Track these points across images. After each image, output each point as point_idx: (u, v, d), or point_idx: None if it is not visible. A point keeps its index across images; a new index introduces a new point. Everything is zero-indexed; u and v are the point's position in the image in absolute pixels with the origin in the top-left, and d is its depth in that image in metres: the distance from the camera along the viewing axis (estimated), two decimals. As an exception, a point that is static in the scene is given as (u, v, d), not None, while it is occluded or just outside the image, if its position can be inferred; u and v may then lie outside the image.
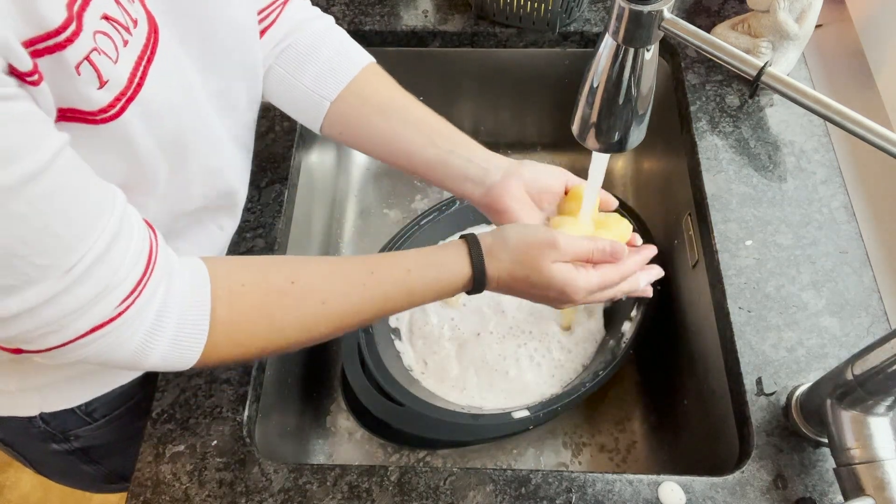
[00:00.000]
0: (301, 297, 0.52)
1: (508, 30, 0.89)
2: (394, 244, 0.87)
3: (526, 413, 0.73)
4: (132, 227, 0.44)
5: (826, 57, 0.86)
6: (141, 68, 0.43)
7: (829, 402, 0.54)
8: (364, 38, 0.90)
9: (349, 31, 0.89)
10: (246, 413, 0.63)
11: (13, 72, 0.35)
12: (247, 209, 0.75)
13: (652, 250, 0.65)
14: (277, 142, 0.80)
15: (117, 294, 0.42)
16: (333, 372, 0.86)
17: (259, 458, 0.61)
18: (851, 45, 0.86)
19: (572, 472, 0.60)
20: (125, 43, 0.42)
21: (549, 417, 0.73)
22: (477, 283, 0.58)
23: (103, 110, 0.42)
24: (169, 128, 0.48)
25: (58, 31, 0.37)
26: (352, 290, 0.54)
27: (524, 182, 0.65)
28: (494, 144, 1.08)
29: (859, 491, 0.50)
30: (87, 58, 0.39)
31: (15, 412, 0.64)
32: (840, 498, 0.53)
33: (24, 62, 0.35)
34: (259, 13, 0.61)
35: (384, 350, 0.79)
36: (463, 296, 0.86)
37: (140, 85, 0.43)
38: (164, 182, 0.51)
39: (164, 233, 0.49)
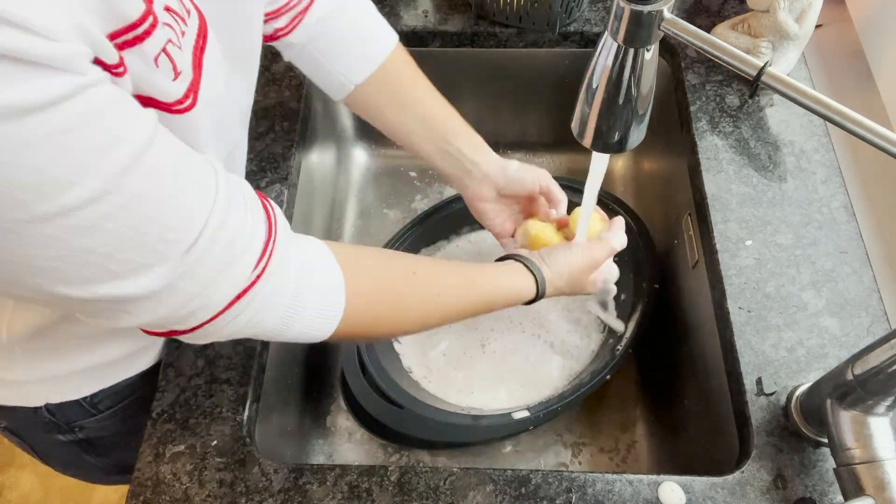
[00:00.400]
0: (422, 285, 0.58)
1: (508, 30, 0.89)
2: (394, 244, 0.87)
3: (526, 413, 0.73)
4: (242, 192, 0.44)
5: (826, 57, 0.86)
6: (198, 58, 0.44)
7: (829, 402, 0.54)
8: (364, 38, 0.90)
9: (349, 31, 0.90)
10: (246, 413, 0.63)
11: (100, 64, 0.36)
12: (247, 209, 0.75)
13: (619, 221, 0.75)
14: (277, 142, 0.80)
15: (249, 258, 0.43)
16: (333, 372, 0.86)
17: (259, 458, 0.61)
18: (851, 45, 0.86)
19: (572, 472, 0.60)
20: (183, 33, 0.42)
21: (549, 418, 0.73)
22: (535, 299, 0.68)
23: (179, 101, 0.43)
24: (217, 118, 0.50)
25: (137, 24, 0.37)
26: (460, 289, 0.61)
27: (504, 183, 0.74)
28: (494, 144, 1.08)
29: (859, 491, 0.50)
30: (163, 49, 0.40)
31: (21, 402, 0.65)
32: (840, 498, 0.53)
33: (111, 55, 0.36)
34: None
35: (383, 352, 0.79)
36: None
37: (199, 75, 0.44)
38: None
39: None
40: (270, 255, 0.44)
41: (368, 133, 1.04)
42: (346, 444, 0.81)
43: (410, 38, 0.90)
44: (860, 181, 0.75)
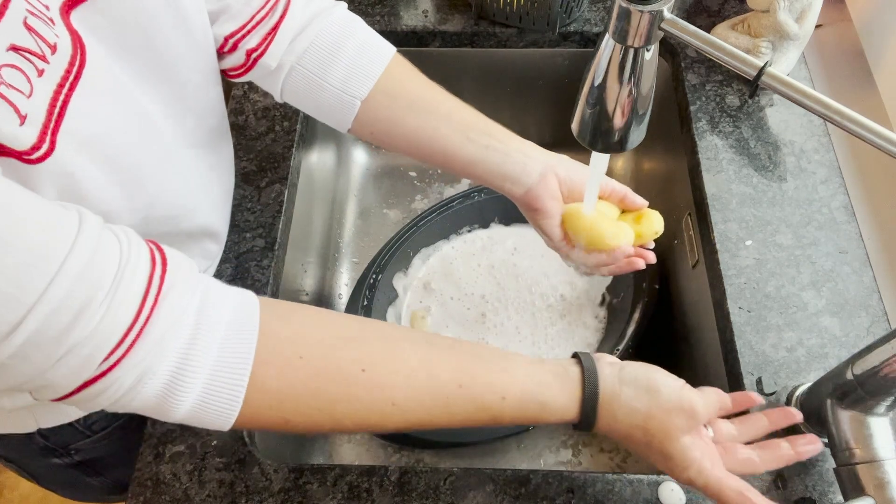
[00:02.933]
0: (370, 390, 0.45)
1: (508, 30, 0.89)
2: (394, 244, 0.87)
3: (526, 413, 0.73)
4: (120, 255, 0.37)
5: (826, 57, 0.86)
6: (62, 97, 0.39)
7: (829, 402, 0.54)
8: (364, 38, 0.90)
9: (349, 31, 0.90)
10: (246, 413, 0.63)
11: None
12: (247, 209, 0.75)
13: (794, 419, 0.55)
14: (277, 142, 0.80)
15: (98, 351, 0.36)
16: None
17: (259, 458, 0.61)
18: (851, 45, 0.86)
19: (572, 472, 0.60)
20: (40, 73, 0.38)
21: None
22: (583, 427, 0.50)
23: (35, 147, 0.38)
24: (111, 153, 0.44)
25: None
26: (431, 401, 0.46)
27: (559, 179, 0.64)
28: (494, 144, 1.08)
29: (859, 491, 0.50)
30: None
31: (13, 429, 0.63)
32: (840, 498, 0.53)
33: None
34: (259, 10, 0.57)
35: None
36: (431, 317, 0.86)
37: (62, 114, 0.39)
38: (122, 210, 0.47)
39: None
40: (137, 337, 0.37)
41: (368, 133, 1.04)
42: (346, 444, 0.81)
43: (410, 38, 0.90)
44: (860, 181, 0.75)
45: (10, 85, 0.36)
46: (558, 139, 1.04)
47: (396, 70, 0.62)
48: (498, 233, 0.93)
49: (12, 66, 0.36)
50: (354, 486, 0.59)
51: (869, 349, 0.50)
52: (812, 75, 0.83)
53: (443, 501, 0.58)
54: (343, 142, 1.02)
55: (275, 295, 0.72)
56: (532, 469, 0.60)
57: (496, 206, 0.92)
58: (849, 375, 0.51)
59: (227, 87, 0.84)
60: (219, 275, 0.70)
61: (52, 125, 0.39)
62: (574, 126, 0.54)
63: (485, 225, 0.93)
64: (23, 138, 0.37)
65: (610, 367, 0.51)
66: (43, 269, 0.34)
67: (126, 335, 0.36)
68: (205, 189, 0.60)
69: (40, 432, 0.63)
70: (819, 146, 0.77)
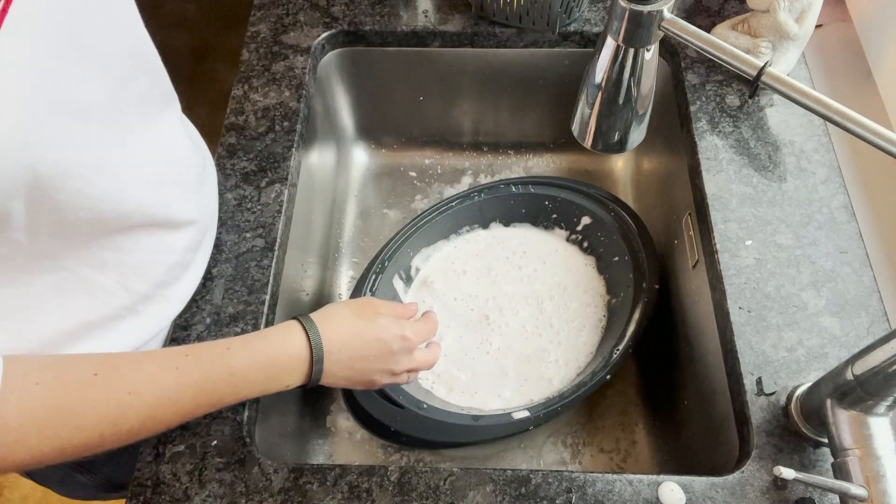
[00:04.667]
0: (104, 387, 0.46)
1: (508, 30, 0.89)
2: (394, 244, 0.87)
3: (526, 414, 0.73)
4: None
5: (826, 57, 0.86)
6: None
7: (829, 402, 0.54)
8: (364, 38, 0.90)
9: (349, 32, 0.90)
10: (246, 413, 0.63)
11: None
12: (247, 209, 0.75)
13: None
14: (277, 142, 0.80)
15: None
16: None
17: (259, 458, 0.61)
18: (851, 45, 0.86)
19: (572, 472, 0.60)
20: None
21: (549, 418, 0.73)
22: (314, 346, 0.55)
23: None
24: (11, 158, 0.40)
25: None
26: (163, 374, 0.49)
27: None
28: (494, 144, 1.09)
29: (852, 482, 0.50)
30: None
31: None
32: (839, 499, 0.53)
33: None
34: None
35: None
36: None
37: None
38: (23, 224, 0.44)
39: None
40: None
41: (368, 133, 1.04)
42: (346, 444, 0.81)
43: (410, 38, 0.90)
44: (860, 181, 0.75)
45: None
46: (558, 139, 1.04)
47: None
48: (498, 233, 0.93)
49: None
50: (354, 486, 0.59)
51: (869, 349, 0.50)
52: (812, 75, 0.83)
53: (443, 501, 0.58)
54: (343, 142, 1.02)
55: (275, 295, 0.72)
56: (532, 469, 0.60)
57: (496, 206, 0.92)
58: (849, 375, 0.51)
59: (227, 87, 0.84)
60: (219, 275, 0.70)
61: None
62: (574, 126, 0.54)
63: (485, 225, 0.93)
64: None
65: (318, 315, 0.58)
66: None
67: None
68: (132, 170, 0.53)
69: None
70: (819, 146, 0.77)
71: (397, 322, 0.63)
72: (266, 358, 0.54)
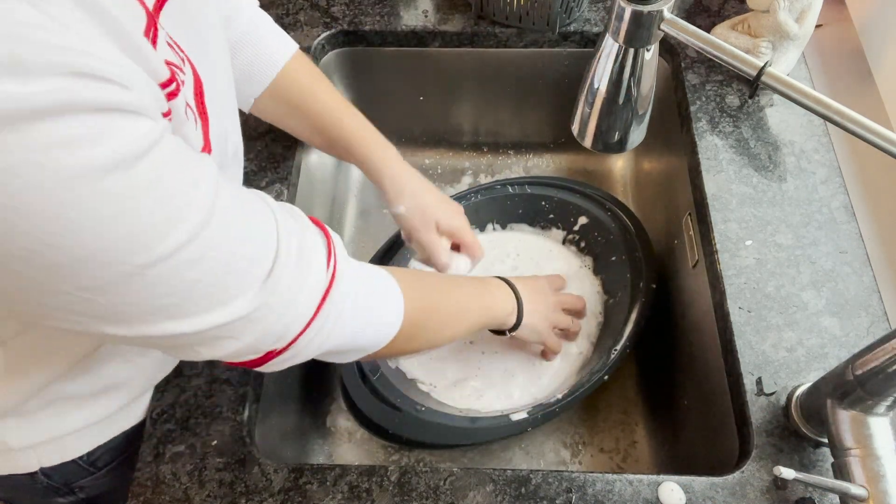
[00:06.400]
0: (455, 300, 0.65)
1: (508, 30, 0.89)
2: (394, 244, 0.87)
3: (524, 415, 0.73)
4: (282, 205, 0.47)
5: (826, 57, 0.86)
6: (201, 105, 0.45)
7: (829, 402, 0.54)
8: (364, 38, 0.90)
9: (349, 32, 0.90)
10: (246, 413, 0.63)
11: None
12: (247, 209, 0.75)
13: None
14: (277, 142, 0.80)
15: (318, 260, 0.46)
16: (333, 372, 0.86)
17: (259, 458, 0.61)
18: (851, 45, 0.86)
19: (572, 472, 0.60)
20: (183, 83, 0.43)
21: (547, 419, 0.73)
22: (519, 303, 0.73)
23: (204, 149, 0.45)
24: (219, 161, 0.50)
25: (170, 81, 0.39)
26: (470, 300, 0.67)
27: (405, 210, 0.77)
28: (494, 144, 1.09)
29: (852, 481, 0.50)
30: (188, 104, 0.42)
31: (15, 469, 0.61)
32: (839, 500, 0.53)
33: (164, 105, 0.38)
34: None
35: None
36: None
37: (206, 121, 0.45)
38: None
39: None
40: (334, 255, 0.48)
41: (368, 133, 1.04)
42: (346, 444, 0.81)
43: (410, 38, 0.90)
44: (860, 181, 0.75)
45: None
46: (558, 139, 1.04)
47: (288, 75, 0.70)
48: (495, 237, 0.93)
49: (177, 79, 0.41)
50: (354, 486, 0.59)
51: (869, 349, 0.50)
52: (812, 75, 0.83)
53: (443, 501, 0.58)
54: (343, 142, 1.02)
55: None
56: (532, 469, 0.60)
57: (493, 207, 0.92)
58: (849, 375, 0.51)
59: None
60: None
61: (207, 129, 0.46)
62: (574, 126, 0.54)
63: (481, 227, 0.93)
64: (197, 141, 0.44)
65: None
66: (269, 219, 0.44)
67: (329, 254, 0.48)
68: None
69: (42, 471, 0.62)
70: (819, 146, 0.77)
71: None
72: (504, 319, 0.71)
